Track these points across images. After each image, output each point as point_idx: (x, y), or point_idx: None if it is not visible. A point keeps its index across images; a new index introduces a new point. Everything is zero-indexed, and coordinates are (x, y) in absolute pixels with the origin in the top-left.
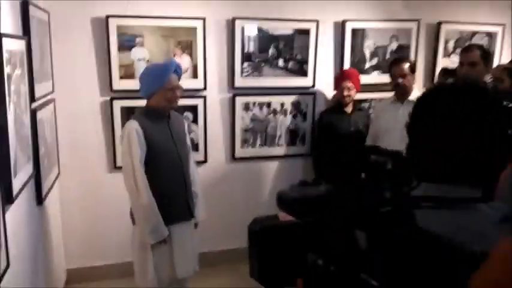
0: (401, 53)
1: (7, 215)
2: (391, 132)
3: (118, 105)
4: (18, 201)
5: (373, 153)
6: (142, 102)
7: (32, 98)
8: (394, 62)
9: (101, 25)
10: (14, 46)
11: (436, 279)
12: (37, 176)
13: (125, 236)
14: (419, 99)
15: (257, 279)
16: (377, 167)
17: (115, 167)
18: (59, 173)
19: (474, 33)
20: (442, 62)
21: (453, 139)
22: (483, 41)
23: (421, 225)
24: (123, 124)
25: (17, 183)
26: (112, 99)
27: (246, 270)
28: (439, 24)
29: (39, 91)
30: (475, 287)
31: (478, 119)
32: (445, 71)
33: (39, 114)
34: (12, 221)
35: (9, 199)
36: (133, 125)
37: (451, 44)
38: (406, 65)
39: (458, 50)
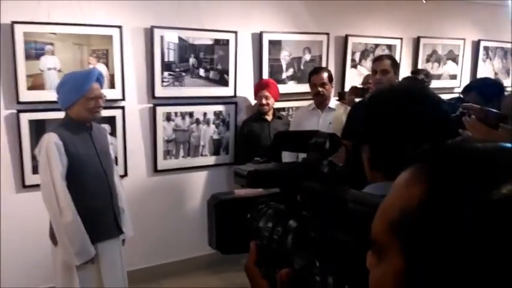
0: (314, 64)
1: None
2: None
3: (26, 118)
4: None
5: (314, 135)
6: (54, 115)
7: None
8: (314, 71)
9: (6, 32)
10: None
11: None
12: None
13: (39, 262)
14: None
15: (216, 248)
16: (317, 146)
17: (24, 186)
18: None
19: (377, 46)
20: (350, 72)
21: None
22: (384, 53)
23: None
24: (31, 138)
25: None
26: (19, 111)
27: (172, 286)
28: (347, 37)
29: None
30: (377, 213)
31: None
32: (356, 90)
33: None
34: None
35: None
36: (52, 137)
37: (357, 56)
38: (325, 74)
39: (364, 62)
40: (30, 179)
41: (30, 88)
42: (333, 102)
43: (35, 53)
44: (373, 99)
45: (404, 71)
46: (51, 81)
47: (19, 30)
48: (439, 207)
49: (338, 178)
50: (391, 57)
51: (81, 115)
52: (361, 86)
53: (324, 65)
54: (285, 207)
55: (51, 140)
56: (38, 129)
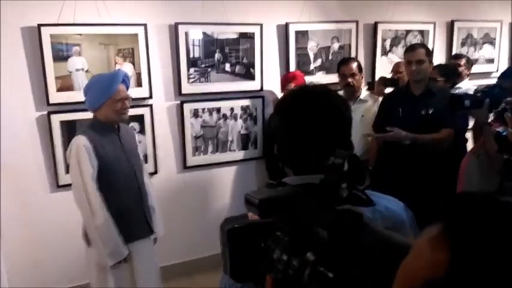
0: (343, 53)
1: None
2: None
3: (57, 119)
4: None
5: (331, 154)
6: (83, 115)
7: None
8: (343, 61)
9: (33, 35)
10: None
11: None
12: None
13: (73, 260)
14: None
15: (230, 275)
16: (334, 168)
17: (58, 186)
18: None
19: (408, 32)
20: (381, 61)
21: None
22: (416, 39)
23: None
24: (63, 139)
25: None
26: (50, 113)
27: (206, 281)
28: (376, 24)
29: None
30: (398, 276)
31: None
32: (384, 81)
33: None
34: None
35: None
36: (81, 140)
37: (387, 43)
38: (355, 64)
39: (395, 49)
40: (64, 178)
41: (59, 90)
42: (364, 93)
43: (62, 54)
44: (281, 102)
45: (439, 58)
46: (80, 82)
47: (46, 32)
48: (466, 279)
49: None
50: (425, 46)
51: (108, 117)
52: (390, 76)
53: (353, 54)
54: (301, 237)
55: (80, 143)
56: (69, 129)
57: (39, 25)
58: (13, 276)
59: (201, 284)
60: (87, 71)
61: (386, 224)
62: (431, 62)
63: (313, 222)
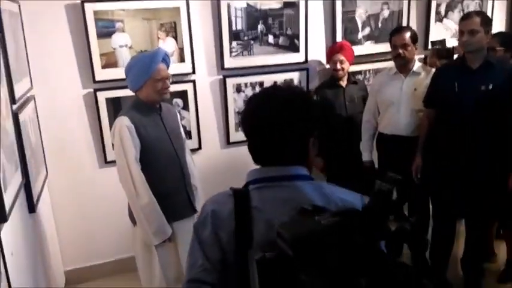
0: (394, 20)
1: (1, 233)
2: (396, 104)
3: (103, 96)
4: (11, 216)
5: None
6: (128, 92)
7: (13, 100)
8: (395, 31)
9: (77, 11)
10: None
11: None
12: (27, 184)
13: (122, 233)
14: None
15: None
16: (381, 196)
17: (106, 161)
18: (47, 174)
19: None
20: (435, 27)
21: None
22: (474, 3)
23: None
24: (109, 116)
25: (8, 199)
26: (96, 90)
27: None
28: None
29: (18, 91)
30: None
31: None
32: (438, 51)
33: (22, 117)
34: (7, 236)
35: (3, 218)
36: (124, 121)
37: (442, 8)
38: (407, 35)
39: (450, 14)
40: (111, 154)
41: (104, 67)
42: (417, 64)
43: (106, 31)
44: (254, 98)
45: (498, 25)
46: (123, 58)
47: (89, 9)
48: None
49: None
50: (481, 14)
51: (149, 97)
52: (444, 47)
53: (404, 20)
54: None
55: (123, 123)
56: (115, 106)
57: (83, 1)
58: (65, 247)
59: None
60: (130, 47)
61: None
62: (488, 32)
63: (357, 273)
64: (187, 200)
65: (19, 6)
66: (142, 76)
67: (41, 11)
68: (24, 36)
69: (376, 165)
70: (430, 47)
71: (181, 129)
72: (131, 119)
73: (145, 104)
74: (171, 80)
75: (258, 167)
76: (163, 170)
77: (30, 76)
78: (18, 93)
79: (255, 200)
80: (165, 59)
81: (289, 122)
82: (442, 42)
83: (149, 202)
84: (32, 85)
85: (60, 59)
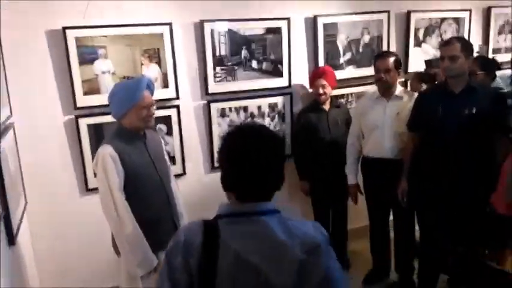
0: (374, 45)
1: None
2: (380, 128)
3: (84, 123)
4: None
5: None
6: (111, 118)
7: None
8: (379, 56)
9: (58, 38)
10: None
11: None
12: (6, 216)
13: (105, 262)
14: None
15: None
16: None
17: (87, 189)
18: (26, 203)
19: (442, 20)
20: (414, 51)
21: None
22: (451, 28)
23: None
24: (91, 142)
25: None
26: (77, 117)
27: None
28: (409, 13)
29: None
30: None
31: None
32: (420, 76)
33: (1, 146)
34: None
35: None
36: (107, 150)
37: (421, 33)
38: (391, 60)
39: (428, 39)
40: (93, 182)
41: (86, 93)
42: (399, 89)
43: (88, 57)
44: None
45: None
46: (106, 84)
47: (71, 35)
48: None
49: None
50: (462, 39)
51: (133, 124)
52: (425, 72)
53: (385, 45)
54: None
55: (106, 152)
56: (97, 132)
57: (64, 28)
58: (45, 278)
59: None
60: (113, 73)
61: (304, 248)
62: (468, 56)
63: None
64: (173, 228)
65: None
66: (126, 103)
67: (21, 38)
68: (3, 63)
69: (362, 189)
70: (409, 71)
71: (166, 156)
72: (115, 147)
73: (129, 131)
74: (155, 107)
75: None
76: (149, 198)
77: (10, 104)
78: None
79: (224, 232)
80: (149, 86)
81: (273, 160)
82: (432, 62)
83: (133, 231)
84: (11, 113)
85: (40, 86)
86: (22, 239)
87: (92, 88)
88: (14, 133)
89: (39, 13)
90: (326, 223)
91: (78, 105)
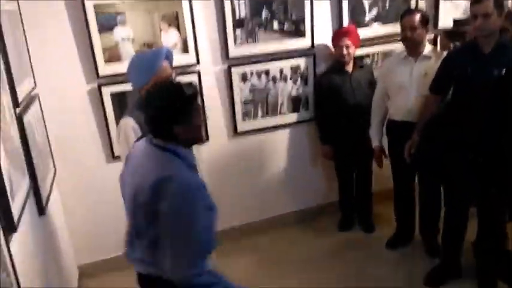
0: (402, 0)
1: (14, 241)
2: (406, 89)
3: (107, 91)
4: (21, 222)
5: None
6: None
7: (16, 103)
8: (405, 13)
9: (77, 6)
10: None
11: None
12: (35, 187)
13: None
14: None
15: None
16: None
17: (113, 157)
18: (55, 172)
19: None
20: (444, 6)
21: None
22: None
23: None
24: (115, 111)
25: (17, 208)
26: (100, 85)
27: (264, 242)
28: None
29: (21, 92)
30: None
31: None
32: (449, 34)
33: (26, 118)
34: (17, 243)
35: (12, 228)
36: (129, 122)
37: None
38: (417, 17)
39: None
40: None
41: (107, 61)
42: (428, 48)
43: (107, 24)
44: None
45: None
46: (126, 51)
47: (89, 3)
48: None
49: None
50: None
51: None
52: (454, 30)
53: (413, 0)
54: None
55: (128, 124)
56: (120, 101)
57: None
58: (77, 243)
59: (259, 243)
60: (133, 40)
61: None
62: (501, 14)
63: None
64: None
65: (18, 4)
66: (146, 74)
67: (41, 8)
68: (25, 35)
69: (386, 152)
70: (439, 27)
71: None
72: (136, 119)
73: None
74: (175, 78)
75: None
76: None
77: (33, 75)
78: (21, 95)
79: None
80: (168, 56)
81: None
82: (462, 21)
83: None
84: (35, 84)
85: (62, 56)
86: (52, 207)
87: (112, 56)
88: (40, 104)
89: None
90: (350, 187)
91: (100, 73)
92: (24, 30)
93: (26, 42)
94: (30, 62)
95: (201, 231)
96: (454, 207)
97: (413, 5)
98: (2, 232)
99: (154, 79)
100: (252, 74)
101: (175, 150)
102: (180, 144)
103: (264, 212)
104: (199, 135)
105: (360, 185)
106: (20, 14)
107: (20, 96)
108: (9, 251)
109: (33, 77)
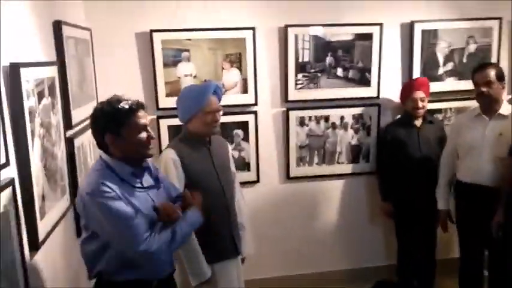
0: (481, 55)
1: (36, 259)
2: (477, 149)
3: (165, 124)
4: (51, 240)
5: None
6: None
7: (69, 126)
8: (478, 68)
9: (145, 40)
10: (41, 74)
11: None
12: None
13: None
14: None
15: None
16: None
17: None
18: None
19: None
20: None
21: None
22: None
23: None
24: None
25: (45, 227)
26: (158, 117)
27: None
28: None
29: (77, 117)
30: None
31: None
32: None
33: (78, 141)
34: (41, 261)
35: (35, 246)
36: (170, 154)
37: None
38: (492, 72)
39: None
40: None
41: (168, 95)
42: (506, 106)
43: (172, 60)
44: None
45: None
46: None
47: (157, 38)
48: None
49: None
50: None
51: (198, 129)
52: None
53: (494, 55)
54: None
55: (169, 156)
56: (176, 134)
57: (152, 30)
58: None
59: None
60: (195, 77)
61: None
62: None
63: None
64: (231, 241)
65: (91, 33)
66: (192, 108)
67: (112, 39)
68: (94, 63)
69: (453, 216)
70: None
71: (232, 164)
72: (178, 151)
73: (194, 136)
74: (221, 114)
75: None
76: (207, 207)
77: (98, 101)
78: (76, 119)
79: None
80: (217, 91)
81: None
82: None
83: (190, 242)
84: None
85: (127, 85)
86: None
87: (173, 90)
88: None
89: (130, 17)
90: (411, 250)
91: (160, 105)
92: (93, 57)
93: (94, 69)
94: (96, 88)
95: (132, 217)
96: None
97: (493, 60)
98: (19, 247)
99: (201, 113)
100: (310, 118)
101: (106, 161)
102: (122, 156)
103: (311, 265)
104: (140, 150)
105: (422, 250)
106: (92, 42)
107: (76, 119)
108: (23, 265)
109: (97, 103)
